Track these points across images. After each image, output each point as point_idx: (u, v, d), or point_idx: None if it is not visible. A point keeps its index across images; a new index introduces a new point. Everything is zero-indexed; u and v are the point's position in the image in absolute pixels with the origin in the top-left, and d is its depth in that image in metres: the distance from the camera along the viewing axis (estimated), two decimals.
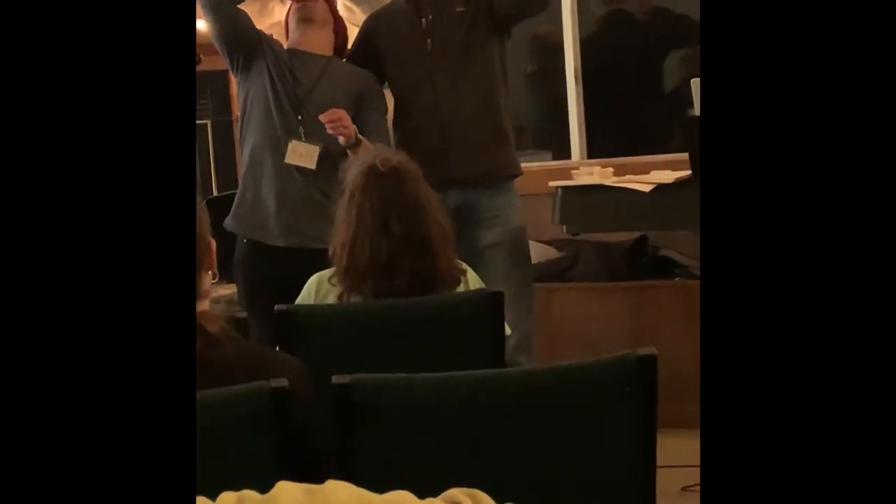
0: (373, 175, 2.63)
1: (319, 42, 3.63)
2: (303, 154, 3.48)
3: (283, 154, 3.48)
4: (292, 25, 3.65)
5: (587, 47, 5.25)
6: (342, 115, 3.44)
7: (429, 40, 3.62)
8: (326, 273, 2.68)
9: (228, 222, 3.58)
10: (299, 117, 3.51)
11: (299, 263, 3.10)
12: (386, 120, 3.70)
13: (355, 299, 2.60)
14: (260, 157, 3.55)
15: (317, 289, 2.68)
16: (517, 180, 3.79)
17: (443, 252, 2.61)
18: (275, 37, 3.72)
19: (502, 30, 3.70)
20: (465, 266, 2.73)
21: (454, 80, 3.58)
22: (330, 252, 2.65)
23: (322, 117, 3.43)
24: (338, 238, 2.63)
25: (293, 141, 3.48)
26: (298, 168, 3.48)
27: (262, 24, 3.98)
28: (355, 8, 5.24)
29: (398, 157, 2.70)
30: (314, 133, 3.48)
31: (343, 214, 2.64)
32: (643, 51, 5.32)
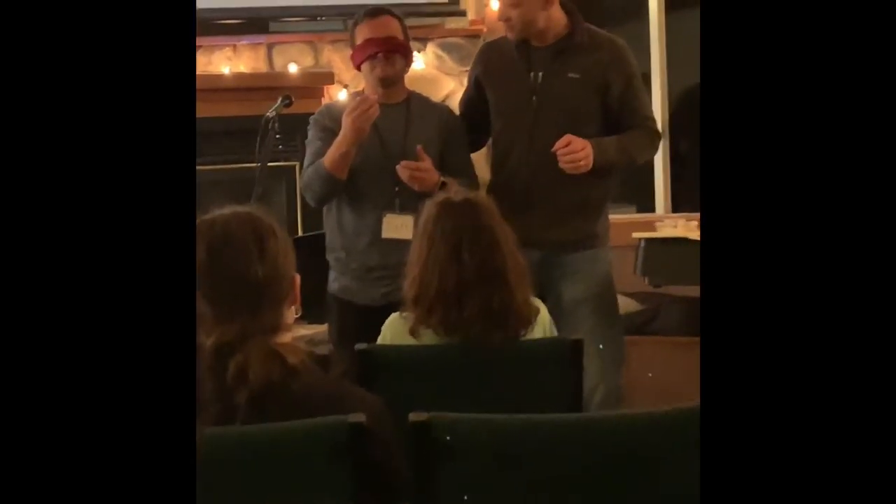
0: (446, 205, 2.60)
1: (398, 91, 3.55)
2: (399, 226, 3.41)
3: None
4: (370, 82, 3.52)
5: (674, 100, 5.24)
6: (423, 167, 3.38)
7: (534, 97, 3.51)
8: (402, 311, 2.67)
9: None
10: (396, 188, 3.43)
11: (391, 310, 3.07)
12: (470, 156, 3.63)
13: (425, 333, 2.55)
14: (353, 230, 3.50)
15: (391, 327, 2.66)
16: None
17: (518, 286, 2.54)
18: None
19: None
20: (539, 304, 2.66)
21: (551, 142, 3.43)
22: (404, 288, 2.61)
23: (401, 169, 3.37)
24: (409, 270, 2.59)
25: (388, 214, 3.43)
26: None
27: (353, 71, 4.01)
28: (445, 56, 5.29)
29: (475, 193, 2.66)
30: (410, 201, 3.37)
31: (415, 246, 2.60)
32: None
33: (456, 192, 2.63)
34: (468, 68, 3.88)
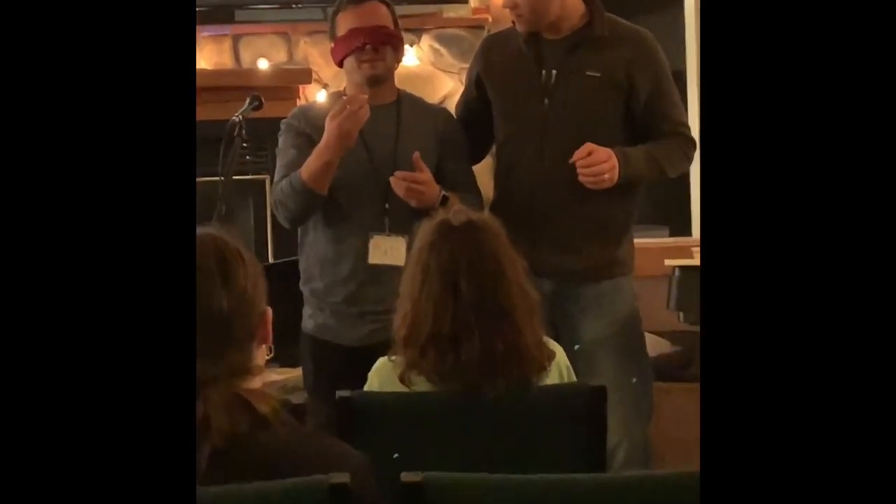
0: (444, 229, 2.58)
1: (387, 91, 3.56)
2: (388, 250, 3.42)
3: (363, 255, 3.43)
4: (355, 80, 3.53)
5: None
6: (421, 178, 3.38)
7: (546, 100, 3.52)
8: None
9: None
10: (386, 205, 3.45)
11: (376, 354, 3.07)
12: (471, 168, 3.64)
13: (417, 379, 2.54)
14: (334, 256, 3.51)
15: (379, 373, 2.65)
16: None
17: (527, 325, 2.53)
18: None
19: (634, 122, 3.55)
20: (554, 346, 2.65)
21: (566, 152, 3.43)
22: (394, 325, 2.59)
23: (395, 182, 3.37)
24: (400, 305, 2.58)
25: (375, 236, 3.44)
26: None
27: (333, 68, 4.04)
28: (443, 50, 5.33)
29: (477, 214, 2.66)
30: (402, 220, 3.38)
31: (407, 276, 2.59)
32: None
33: (456, 212, 2.62)
34: (468, 65, 3.88)
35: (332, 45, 3.56)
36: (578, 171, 3.40)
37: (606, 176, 3.40)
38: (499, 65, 3.63)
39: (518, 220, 3.21)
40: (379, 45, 3.47)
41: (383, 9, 3.53)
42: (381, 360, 2.66)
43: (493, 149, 3.74)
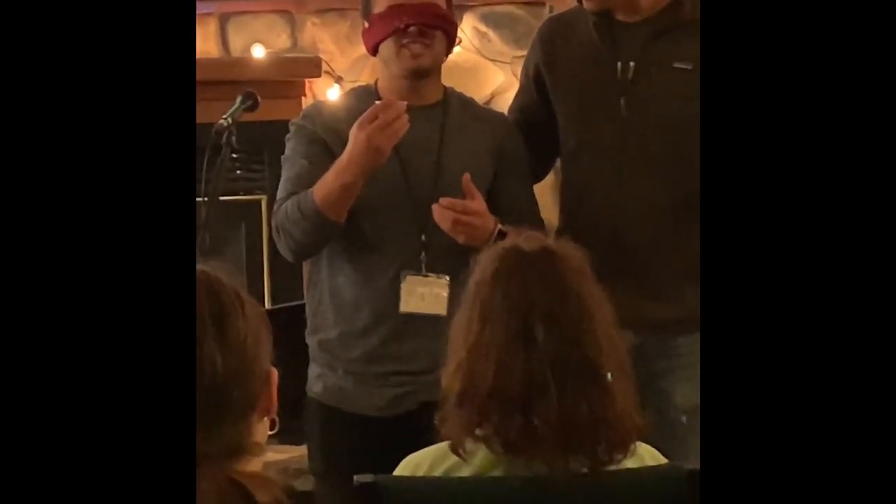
0: (514, 257, 2.57)
1: (432, 88, 3.55)
2: (426, 295, 3.41)
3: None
4: (393, 72, 3.49)
5: None
6: (472, 208, 3.35)
7: (623, 99, 3.52)
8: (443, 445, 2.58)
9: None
10: (423, 237, 3.45)
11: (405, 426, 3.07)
12: (533, 191, 3.63)
13: (474, 448, 2.51)
14: (353, 300, 3.50)
15: (430, 462, 2.61)
16: None
17: (619, 387, 2.52)
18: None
19: None
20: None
21: (652, 170, 3.46)
22: (443, 380, 2.56)
23: (438, 211, 3.32)
24: (452, 353, 2.55)
25: (409, 276, 3.42)
26: None
27: (349, 56, 4.06)
28: (492, 34, 5.34)
29: (555, 241, 2.65)
30: (444, 257, 3.39)
31: (461, 319, 2.57)
32: None
33: (529, 237, 2.61)
34: (525, 53, 3.90)
35: (366, 25, 3.52)
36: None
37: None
38: (563, 55, 3.63)
39: (594, 256, 3.09)
40: (427, 28, 3.43)
41: None
42: (434, 453, 2.61)
43: (558, 163, 3.73)
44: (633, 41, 3.54)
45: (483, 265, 2.59)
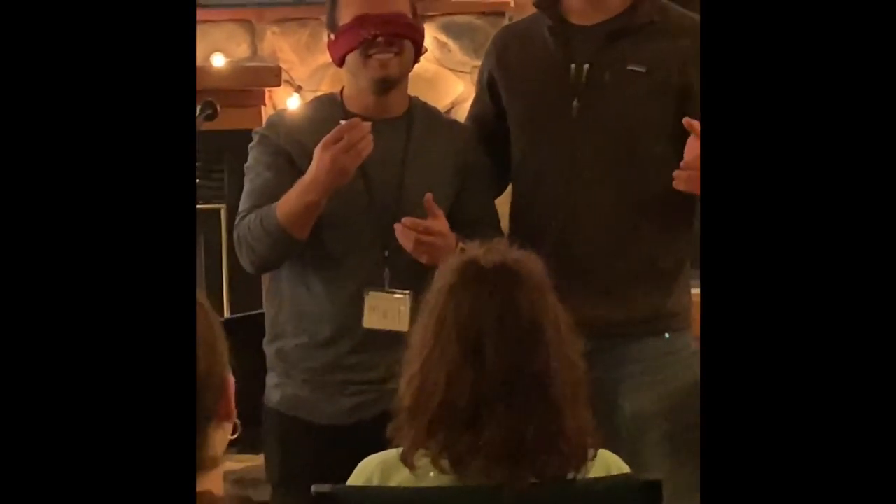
0: (470, 272, 2.56)
1: (397, 100, 3.53)
2: (388, 311, 3.39)
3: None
4: (361, 83, 3.49)
5: None
6: (434, 228, 3.33)
7: (575, 101, 3.49)
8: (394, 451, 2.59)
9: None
10: (385, 253, 3.44)
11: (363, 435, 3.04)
12: (494, 204, 3.62)
13: (423, 462, 2.51)
14: (314, 312, 3.49)
15: (369, 463, 2.62)
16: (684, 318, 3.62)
17: (568, 405, 2.50)
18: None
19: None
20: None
21: (603, 171, 3.45)
22: (398, 390, 2.56)
23: (400, 231, 3.31)
24: (407, 365, 2.55)
25: (372, 292, 3.41)
26: None
27: (310, 66, 4.06)
28: (452, 44, 5.34)
29: (516, 254, 2.62)
30: (406, 273, 3.37)
31: (418, 328, 2.57)
32: None
33: (489, 250, 2.60)
34: (480, 63, 3.85)
35: (331, 36, 3.51)
36: (678, 176, 3.29)
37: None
38: (517, 60, 3.60)
39: (544, 259, 3.05)
40: (395, 38, 3.41)
41: None
42: (383, 460, 2.61)
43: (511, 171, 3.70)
44: (588, 44, 3.51)
45: (441, 277, 2.59)
